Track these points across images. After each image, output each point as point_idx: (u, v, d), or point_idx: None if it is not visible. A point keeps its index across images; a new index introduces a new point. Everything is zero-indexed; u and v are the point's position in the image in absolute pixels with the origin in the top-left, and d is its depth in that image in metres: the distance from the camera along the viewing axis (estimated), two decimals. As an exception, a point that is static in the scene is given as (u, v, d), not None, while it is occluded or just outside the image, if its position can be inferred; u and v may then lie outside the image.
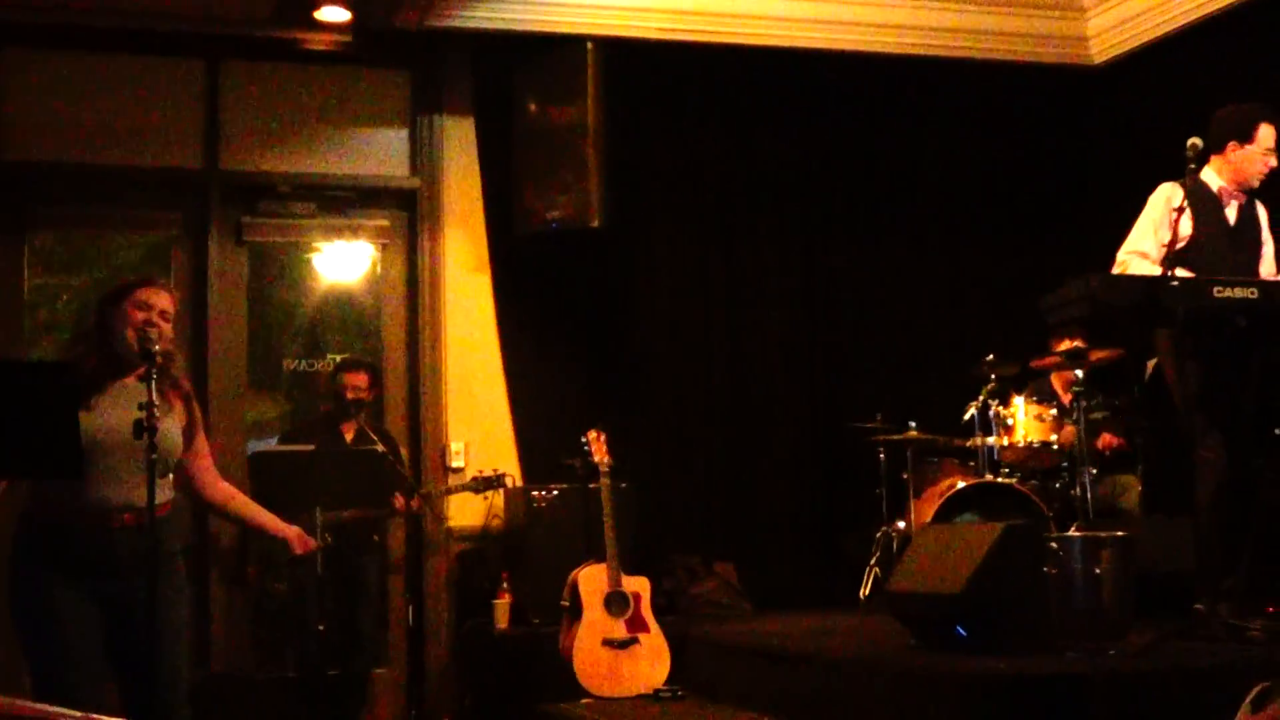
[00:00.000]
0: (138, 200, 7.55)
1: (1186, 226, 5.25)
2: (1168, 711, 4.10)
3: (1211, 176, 5.60)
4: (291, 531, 4.59)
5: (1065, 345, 6.87)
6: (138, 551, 4.10)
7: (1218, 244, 5.48)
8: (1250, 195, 5.67)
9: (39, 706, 2.12)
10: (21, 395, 3.93)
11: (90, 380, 4.19)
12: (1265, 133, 5.55)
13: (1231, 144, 5.56)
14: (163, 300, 4.34)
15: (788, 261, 8.19)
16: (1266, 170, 5.58)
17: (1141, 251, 5.41)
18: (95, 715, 2.18)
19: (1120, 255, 5.53)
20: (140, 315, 4.27)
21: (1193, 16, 7.45)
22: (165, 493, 4.32)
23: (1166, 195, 5.47)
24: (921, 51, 8.00)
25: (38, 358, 7.26)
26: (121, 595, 4.13)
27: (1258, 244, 5.66)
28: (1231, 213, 5.62)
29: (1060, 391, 7.25)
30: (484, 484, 7.06)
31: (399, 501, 6.87)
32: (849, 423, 7.38)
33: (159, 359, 4.11)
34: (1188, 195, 5.21)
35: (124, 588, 4.11)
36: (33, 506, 4.21)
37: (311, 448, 6.64)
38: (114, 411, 4.17)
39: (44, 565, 4.15)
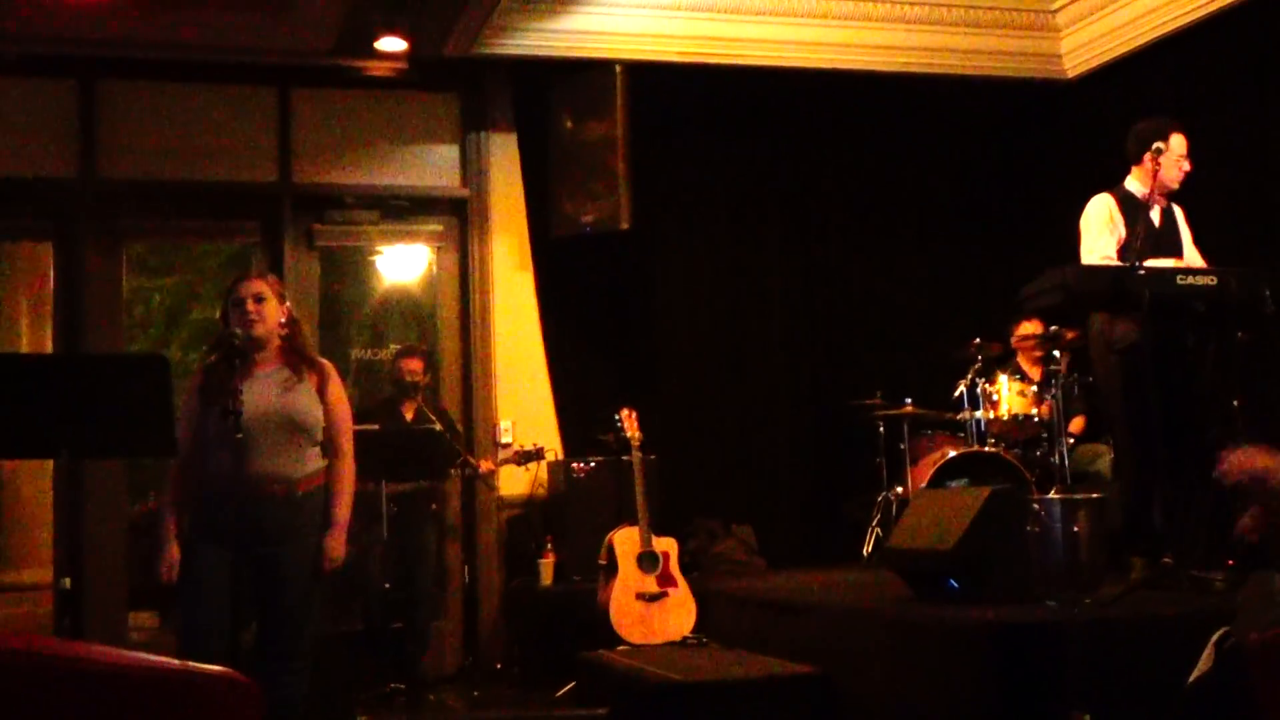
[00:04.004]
0: (220, 212, 7.56)
1: (1120, 229, 5.24)
2: (1138, 655, 4.07)
3: (1135, 185, 5.55)
4: (332, 548, 4.42)
5: (1025, 327, 6.86)
6: (282, 519, 4.18)
7: (1144, 245, 5.42)
8: (1170, 199, 5.63)
9: (138, 655, 2.14)
10: (121, 384, 3.97)
11: (229, 374, 4.20)
12: (1176, 140, 5.50)
13: (1149, 154, 5.51)
14: (251, 288, 4.38)
15: (791, 257, 8.14)
16: (1182, 174, 5.53)
17: (1106, 255, 5.36)
18: (194, 664, 2.18)
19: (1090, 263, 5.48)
20: (238, 311, 4.33)
21: (1158, 33, 7.37)
22: (313, 464, 4.40)
23: (1105, 201, 5.46)
24: (912, 69, 7.94)
25: (135, 349, 7.30)
26: (266, 558, 4.20)
27: (1178, 244, 5.61)
28: (1155, 216, 5.57)
29: (1027, 368, 7.22)
30: (525, 457, 7.06)
31: (454, 471, 6.88)
32: (851, 400, 7.35)
33: (239, 344, 4.23)
34: (1118, 202, 5.20)
35: (269, 551, 4.19)
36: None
37: (376, 427, 6.64)
38: (254, 396, 4.21)
39: (196, 532, 4.25)
